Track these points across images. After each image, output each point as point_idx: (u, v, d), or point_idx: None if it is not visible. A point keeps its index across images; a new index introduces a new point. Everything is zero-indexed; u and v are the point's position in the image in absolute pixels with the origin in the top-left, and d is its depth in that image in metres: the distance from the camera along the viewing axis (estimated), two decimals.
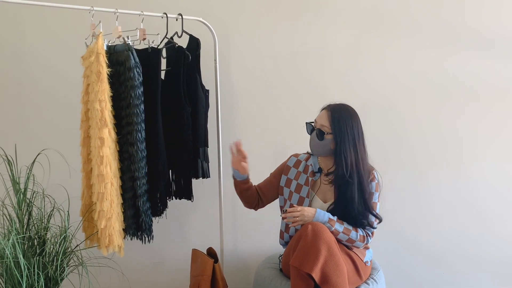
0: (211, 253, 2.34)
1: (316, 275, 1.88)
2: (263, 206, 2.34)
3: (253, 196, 2.28)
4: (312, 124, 2.14)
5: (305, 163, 2.22)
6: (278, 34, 2.71)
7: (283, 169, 2.26)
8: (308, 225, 1.95)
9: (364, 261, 2.16)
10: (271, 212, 2.38)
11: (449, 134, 2.75)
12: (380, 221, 2.11)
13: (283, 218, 2.08)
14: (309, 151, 2.24)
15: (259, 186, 2.31)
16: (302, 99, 2.72)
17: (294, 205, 2.15)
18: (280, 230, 2.27)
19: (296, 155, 2.27)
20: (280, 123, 2.74)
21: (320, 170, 2.18)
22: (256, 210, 2.35)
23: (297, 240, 1.98)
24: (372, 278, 2.20)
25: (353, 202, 2.04)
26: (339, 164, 2.05)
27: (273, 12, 2.69)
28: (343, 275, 1.92)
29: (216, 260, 2.27)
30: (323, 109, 2.13)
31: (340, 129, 2.04)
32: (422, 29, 2.69)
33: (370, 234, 2.11)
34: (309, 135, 2.16)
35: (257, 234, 2.79)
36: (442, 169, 2.77)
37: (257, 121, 2.75)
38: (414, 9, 2.69)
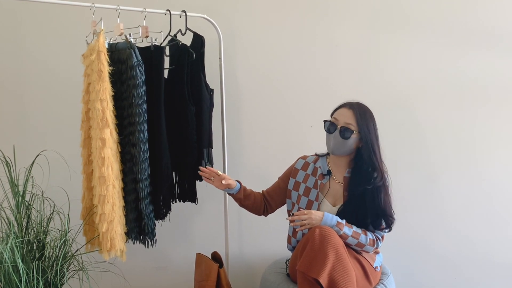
0: (216, 257, 2.32)
1: (323, 280, 1.84)
2: (272, 211, 2.32)
3: (257, 204, 2.27)
4: (331, 121, 2.09)
5: (314, 165, 2.19)
6: (285, 32, 2.68)
7: (291, 172, 2.24)
8: (315, 229, 1.92)
9: (374, 266, 2.12)
10: (278, 215, 2.36)
11: (462, 134, 2.72)
12: (394, 222, 2.08)
13: (290, 222, 2.05)
14: (317, 152, 2.21)
15: (268, 191, 2.30)
16: (310, 99, 2.70)
17: (302, 208, 2.13)
18: (288, 235, 2.25)
19: (304, 157, 2.25)
20: (287, 123, 2.72)
21: (329, 172, 2.15)
22: (266, 216, 2.34)
23: (304, 244, 1.95)
24: (382, 284, 2.16)
25: (372, 203, 2.02)
26: (373, 165, 2.03)
27: (280, 8, 2.67)
28: (351, 280, 1.88)
29: (221, 264, 2.25)
30: (341, 107, 2.09)
31: (367, 126, 2.03)
32: (434, 26, 2.66)
33: (380, 238, 2.08)
34: (328, 134, 2.10)
35: (264, 238, 2.78)
36: (454, 170, 2.74)
37: (264, 121, 2.73)
38: (425, 5, 2.66)
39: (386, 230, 2.08)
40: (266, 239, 2.76)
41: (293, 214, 2.04)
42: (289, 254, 2.35)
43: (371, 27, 2.67)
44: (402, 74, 2.69)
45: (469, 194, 2.74)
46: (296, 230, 2.07)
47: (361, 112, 2.04)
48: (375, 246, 2.06)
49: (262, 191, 2.31)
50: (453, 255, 2.78)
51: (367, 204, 2.03)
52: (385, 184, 2.05)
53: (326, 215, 2.00)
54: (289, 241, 2.23)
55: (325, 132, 2.12)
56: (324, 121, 2.12)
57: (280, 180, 2.28)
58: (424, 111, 2.71)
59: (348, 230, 2.01)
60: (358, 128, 2.03)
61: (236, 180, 2.24)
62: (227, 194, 2.49)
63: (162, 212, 2.30)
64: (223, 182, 2.15)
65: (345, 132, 2.03)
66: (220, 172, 2.18)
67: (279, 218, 2.35)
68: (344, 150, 2.07)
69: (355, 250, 2.06)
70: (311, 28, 2.67)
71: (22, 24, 2.63)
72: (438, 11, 2.65)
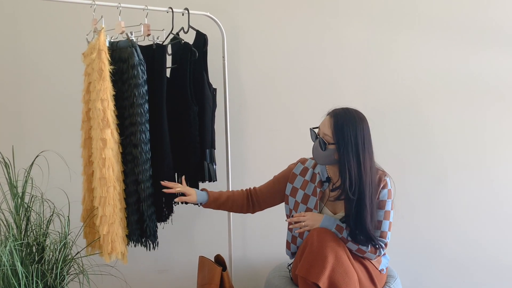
0: (219, 260, 2.30)
1: (323, 284, 1.83)
2: (260, 209, 2.26)
3: (236, 207, 2.22)
4: (316, 131, 2.06)
5: (313, 171, 2.14)
6: (290, 30, 2.66)
7: (288, 176, 2.18)
8: (313, 232, 1.91)
9: (379, 269, 2.09)
10: (282, 217, 2.32)
11: (471, 134, 2.70)
12: (384, 244, 2.01)
13: (288, 224, 2.04)
14: None
15: (260, 189, 2.24)
16: (315, 99, 2.67)
17: None
18: (287, 240, 2.21)
19: (303, 161, 2.20)
20: (292, 124, 2.70)
21: (328, 179, 2.10)
22: (252, 213, 2.27)
23: (303, 248, 1.94)
24: (388, 287, 2.13)
25: (359, 217, 1.95)
26: (343, 178, 1.95)
27: (285, 6, 2.65)
28: (353, 282, 1.86)
29: (224, 268, 2.23)
30: (327, 115, 2.04)
31: (343, 138, 1.93)
32: (444, 25, 2.64)
33: (383, 246, 2.02)
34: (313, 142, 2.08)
35: (268, 241, 2.75)
36: (464, 171, 2.72)
37: (268, 121, 2.71)
38: (435, 3, 2.63)
39: (386, 239, 2.02)
40: (270, 242, 2.73)
41: (292, 216, 2.02)
42: None
43: (380, 26, 2.65)
44: (411, 74, 2.67)
45: (478, 195, 2.72)
46: (296, 232, 2.05)
47: (342, 122, 1.93)
48: (377, 254, 2.01)
49: (254, 188, 2.25)
50: (461, 258, 2.76)
51: (357, 217, 1.96)
52: (365, 197, 1.94)
53: (325, 217, 1.98)
54: (288, 247, 2.20)
55: None
56: (310, 129, 2.07)
57: (275, 180, 2.22)
58: (433, 111, 2.69)
59: (348, 234, 1.98)
60: (335, 140, 1.95)
61: (205, 191, 2.18)
62: None
63: (164, 214, 2.28)
64: (185, 197, 2.10)
65: (322, 144, 1.98)
66: (179, 188, 2.11)
67: (284, 221, 2.30)
68: (326, 160, 2.01)
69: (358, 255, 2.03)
70: (317, 26, 2.65)
71: (21, 22, 2.62)
72: (448, 10, 2.63)
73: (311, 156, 2.19)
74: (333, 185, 2.05)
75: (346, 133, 1.92)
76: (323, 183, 2.09)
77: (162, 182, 2.13)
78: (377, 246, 1.99)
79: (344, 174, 1.93)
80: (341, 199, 2.00)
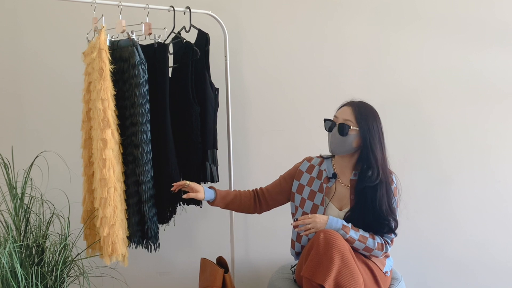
0: (221, 262, 2.29)
1: (329, 286, 1.81)
2: (268, 209, 2.27)
3: (243, 207, 2.22)
4: (331, 120, 2.07)
5: (319, 168, 2.15)
6: (292, 29, 2.65)
7: (295, 174, 2.20)
8: (320, 233, 1.89)
9: (384, 271, 2.08)
10: (285, 218, 2.33)
11: (475, 134, 2.69)
12: (396, 225, 2.05)
13: (294, 227, 2.03)
14: (322, 154, 2.19)
15: (267, 189, 2.25)
16: (318, 98, 2.66)
17: (306, 213, 2.10)
18: (291, 239, 2.21)
19: (309, 159, 2.21)
20: (295, 123, 2.69)
21: (334, 175, 2.11)
22: (259, 213, 2.28)
23: (309, 249, 1.92)
24: None
25: (376, 205, 1.98)
26: (369, 162, 1.99)
27: (287, 4, 2.64)
28: (358, 285, 1.85)
29: (226, 270, 2.23)
30: (343, 106, 2.08)
31: (367, 124, 1.99)
32: (446, 22, 2.63)
33: (390, 242, 2.04)
34: (328, 133, 2.08)
35: (270, 242, 2.74)
36: (468, 172, 2.70)
37: (270, 121, 2.70)
38: (438, 1, 2.62)
39: (393, 235, 2.04)
40: (273, 243, 2.72)
41: (297, 219, 2.01)
42: None
43: (382, 24, 2.64)
44: (413, 72, 2.66)
45: (482, 196, 2.70)
46: (301, 234, 2.05)
47: (362, 110, 2.01)
48: (384, 251, 2.02)
49: (260, 188, 2.26)
50: (466, 260, 2.74)
51: (369, 206, 1.99)
52: (385, 184, 2.00)
53: (331, 218, 1.97)
54: (292, 246, 2.20)
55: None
56: (325, 119, 2.09)
57: (282, 179, 2.23)
58: (436, 111, 2.67)
59: (355, 233, 1.97)
60: (357, 125, 1.99)
61: (213, 188, 2.18)
62: None
63: (165, 215, 2.27)
64: (193, 194, 2.08)
65: (343, 128, 2.00)
66: (188, 183, 2.11)
67: (286, 222, 2.30)
68: (344, 148, 2.03)
69: (364, 254, 2.02)
70: (320, 24, 2.64)
71: (20, 21, 2.61)
72: (451, 7, 2.62)
73: (317, 155, 2.21)
74: (359, 172, 2.05)
75: (369, 121, 1.99)
76: (330, 179, 2.10)
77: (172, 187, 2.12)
78: (385, 241, 2.01)
79: (369, 159, 1.99)
80: (364, 185, 2.00)
